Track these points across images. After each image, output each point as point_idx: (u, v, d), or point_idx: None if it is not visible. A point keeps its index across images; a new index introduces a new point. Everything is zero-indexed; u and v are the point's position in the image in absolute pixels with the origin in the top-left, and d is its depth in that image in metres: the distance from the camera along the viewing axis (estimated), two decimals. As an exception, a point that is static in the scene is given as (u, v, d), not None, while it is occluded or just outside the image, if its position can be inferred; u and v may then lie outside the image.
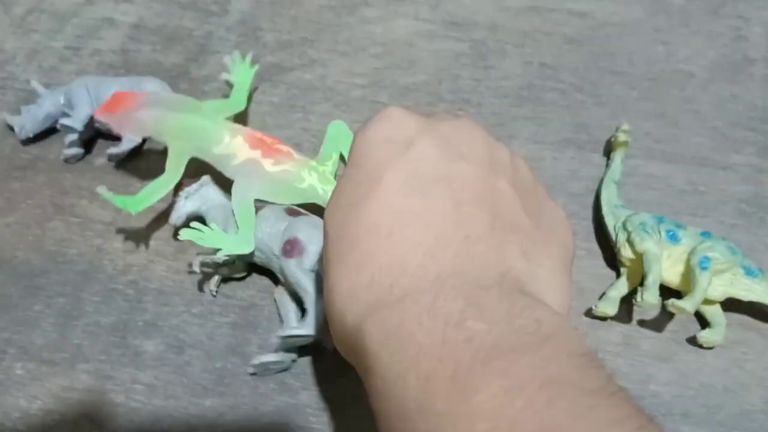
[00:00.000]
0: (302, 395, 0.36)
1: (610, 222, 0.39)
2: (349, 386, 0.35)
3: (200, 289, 0.40)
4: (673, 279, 0.36)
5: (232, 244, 0.37)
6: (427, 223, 0.25)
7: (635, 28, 0.48)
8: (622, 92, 0.46)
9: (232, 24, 0.50)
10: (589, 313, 0.37)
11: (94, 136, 0.46)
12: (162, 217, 0.42)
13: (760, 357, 0.37)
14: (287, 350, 0.37)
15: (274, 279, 0.39)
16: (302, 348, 0.37)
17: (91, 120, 0.43)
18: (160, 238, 0.42)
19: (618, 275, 0.38)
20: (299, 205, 0.39)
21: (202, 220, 0.40)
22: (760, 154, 0.43)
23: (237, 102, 0.43)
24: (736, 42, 0.47)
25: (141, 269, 0.41)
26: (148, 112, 0.39)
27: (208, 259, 0.38)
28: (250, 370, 0.37)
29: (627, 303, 0.37)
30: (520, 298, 0.23)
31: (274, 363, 0.37)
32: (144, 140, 0.44)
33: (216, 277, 0.39)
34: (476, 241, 0.25)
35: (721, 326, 0.36)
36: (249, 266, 0.40)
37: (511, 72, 0.47)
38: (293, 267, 0.36)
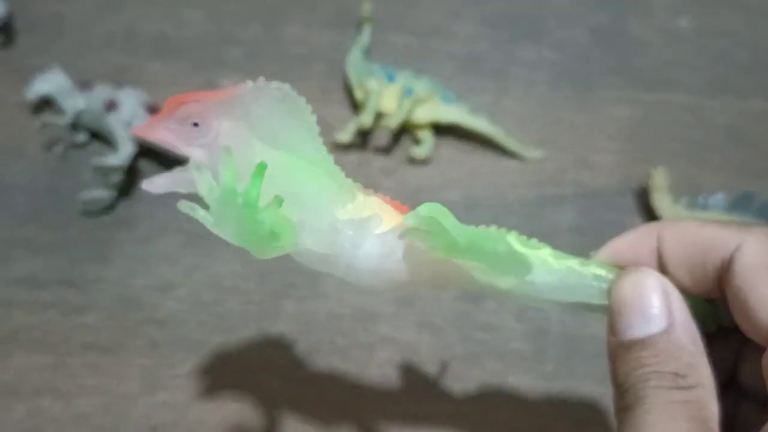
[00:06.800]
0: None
1: (351, 74, 0.50)
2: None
3: (48, 150, 0.48)
4: (391, 107, 0.48)
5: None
6: None
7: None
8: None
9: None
10: (333, 143, 0.48)
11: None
12: None
13: (457, 164, 0.48)
14: (107, 187, 0.46)
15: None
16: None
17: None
18: None
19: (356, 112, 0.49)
20: None
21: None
22: (478, 24, 0.55)
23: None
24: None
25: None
26: (234, 126, 0.25)
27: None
28: (80, 207, 0.46)
29: (364, 134, 0.49)
30: None
31: (97, 198, 0.45)
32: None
33: (61, 144, 0.48)
34: None
35: (428, 144, 0.48)
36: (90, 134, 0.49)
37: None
38: (112, 119, 0.47)
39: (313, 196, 0.25)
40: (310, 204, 0.25)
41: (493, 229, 0.26)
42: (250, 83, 0.24)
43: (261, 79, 0.24)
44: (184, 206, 0.24)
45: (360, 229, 0.25)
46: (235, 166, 0.23)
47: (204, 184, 0.23)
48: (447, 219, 0.23)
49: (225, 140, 0.24)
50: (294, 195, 0.24)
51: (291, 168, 0.24)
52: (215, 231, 0.24)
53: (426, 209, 0.24)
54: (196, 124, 0.24)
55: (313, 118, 0.25)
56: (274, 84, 0.24)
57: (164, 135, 0.24)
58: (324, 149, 0.26)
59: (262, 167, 0.23)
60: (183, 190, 0.25)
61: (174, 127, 0.24)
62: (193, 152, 0.24)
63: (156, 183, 0.25)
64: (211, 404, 0.39)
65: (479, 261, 0.24)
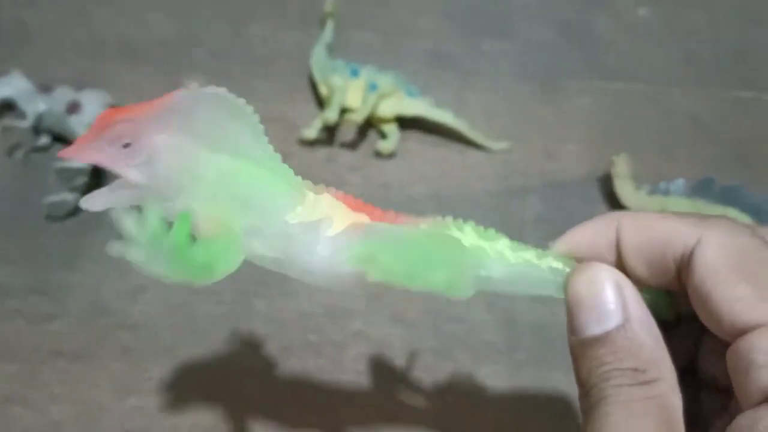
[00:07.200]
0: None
1: (315, 71, 0.50)
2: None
3: (9, 155, 0.48)
4: (355, 103, 0.48)
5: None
6: None
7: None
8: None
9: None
10: (299, 140, 0.48)
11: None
12: None
13: (423, 158, 0.49)
14: (71, 190, 0.45)
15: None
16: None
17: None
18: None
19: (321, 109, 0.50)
20: None
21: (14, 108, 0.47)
22: (442, 19, 0.55)
23: None
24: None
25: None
26: (170, 140, 0.23)
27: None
28: (44, 212, 0.45)
29: (330, 130, 0.49)
30: None
31: (62, 202, 0.45)
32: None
33: (23, 149, 0.48)
34: None
35: (394, 137, 0.48)
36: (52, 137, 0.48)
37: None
38: (74, 121, 0.46)
39: (262, 200, 0.24)
40: (259, 209, 0.24)
41: (449, 220, 0.25)
42: (182, 90, 0.23)
43: (194, 85, 0.24)
44: (114, 248, 0.22)
45: (311, 232, 0.24)
46: (159, 213, 0.22)
47: (129, 228, 0.22)
48: (384, 253, 0.23)
49: (163, 156, 0.23)
50: (243, 200, 0.23)
51: (238, 173, 0.23)
52: (148, 271, 0.22)
53: (363, 246, 0.23)
54: (127, 145, 0.23)
55: (256, 117, 0.24)
56: (209, 89, 0.23)
57: (96, 157, 0.23)
58: (270, 148, 0.24)
59: (185, 217, 0.23)
60: (123, 206, 0.23)
61: (105, 149, 0.23)
62: (129, 173, 0.23)
63: (95, 200, 0.23)
64: (185, 408, 0.39)
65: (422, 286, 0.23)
